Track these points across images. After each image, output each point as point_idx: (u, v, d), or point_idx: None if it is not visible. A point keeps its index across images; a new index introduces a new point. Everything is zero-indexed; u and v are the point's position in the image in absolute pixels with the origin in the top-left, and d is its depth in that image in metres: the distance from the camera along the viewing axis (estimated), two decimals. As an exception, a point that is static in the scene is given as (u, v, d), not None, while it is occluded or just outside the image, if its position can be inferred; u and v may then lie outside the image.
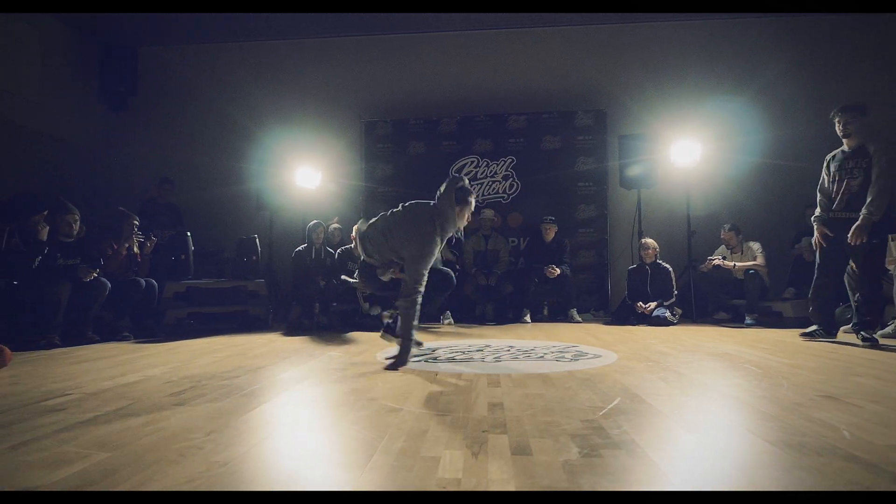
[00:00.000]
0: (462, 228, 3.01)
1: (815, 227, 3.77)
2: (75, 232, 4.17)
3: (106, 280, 4.07)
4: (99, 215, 5.35)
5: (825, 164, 3.81)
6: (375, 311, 5.07)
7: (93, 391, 2.13)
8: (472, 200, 2.89)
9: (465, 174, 6.63)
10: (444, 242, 2.99)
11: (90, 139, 6.96)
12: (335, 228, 5.92)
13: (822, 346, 3.45)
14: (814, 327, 3.79)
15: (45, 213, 3.85)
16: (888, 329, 4.19)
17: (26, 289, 3.68)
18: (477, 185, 6.64)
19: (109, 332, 4.20)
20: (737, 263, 5.30)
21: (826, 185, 3.77)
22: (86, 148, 6.87)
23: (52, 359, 3.09)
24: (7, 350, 2.73)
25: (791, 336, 4.05)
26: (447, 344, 3.68)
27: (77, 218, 4.18)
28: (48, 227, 3.88)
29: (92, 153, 6.95)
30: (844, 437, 1.45)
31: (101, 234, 4.65)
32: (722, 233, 5.54)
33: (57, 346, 3.62)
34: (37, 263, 3.77)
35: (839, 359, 2.91)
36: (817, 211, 3.80)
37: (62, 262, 3.99)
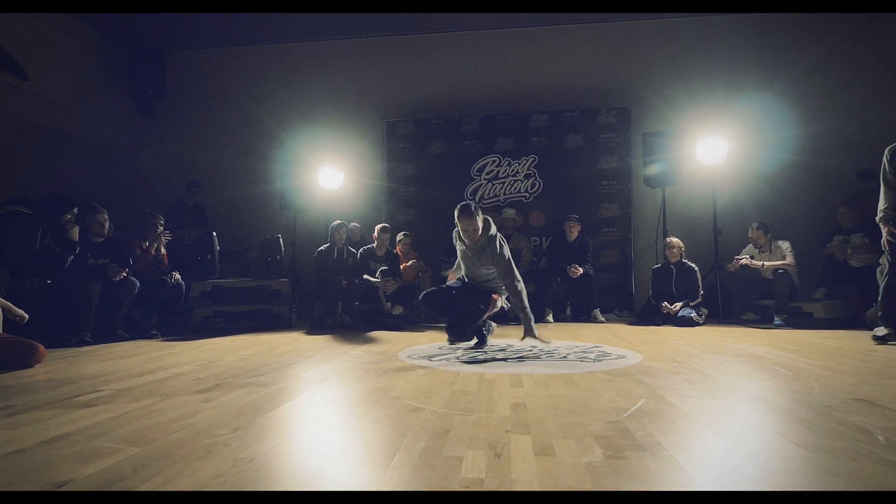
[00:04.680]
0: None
1: (882, 224, 3.49)
2: (106, 231, 4.28)
3: (135, 279, 4.16)
4: (127, 216, 5.48)
5: (887, 156, 3.51)
6: (398, 310, 5.09)
7: (123, 388, 2.18)
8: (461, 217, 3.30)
9: (487, 173, 6.63)
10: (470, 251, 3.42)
11: (119, 142, 7.15)
12: (355, 227, 5.97)
13: (855, 348, 3.35)
14: (886, 331, 3.51)
15: (75, 210, 3.95)
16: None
17: (59, 288, 3.79)
18: (499, 184, 6.62)
19: (138, 330, 4.31)
20: (765, 263, 5.18)
21: (890, 178, 3.47)
22: (115, 150, 7.05)
23: (83, 356, 3.18)
24: (41, 347, 2.81)
25: (822, 337, 3.94)
26: (469, 344, 3.67)
27: (106, 217, 4.29)
28: (78, 228, 3.99)
29: (121, 155, 7.14)
30: (879, 442, 1.40)
31: (130, 234, 4.77)
32: (750, 231, 5.42)
33: (88, 343, 3.72)
34: (68, 263, 3.88)
35: (873, 361, 2.83)
36: (882, 205, 3.51)
37: (92, 261, 4.10)
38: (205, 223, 6.27)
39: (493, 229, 3.37)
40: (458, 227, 3.34)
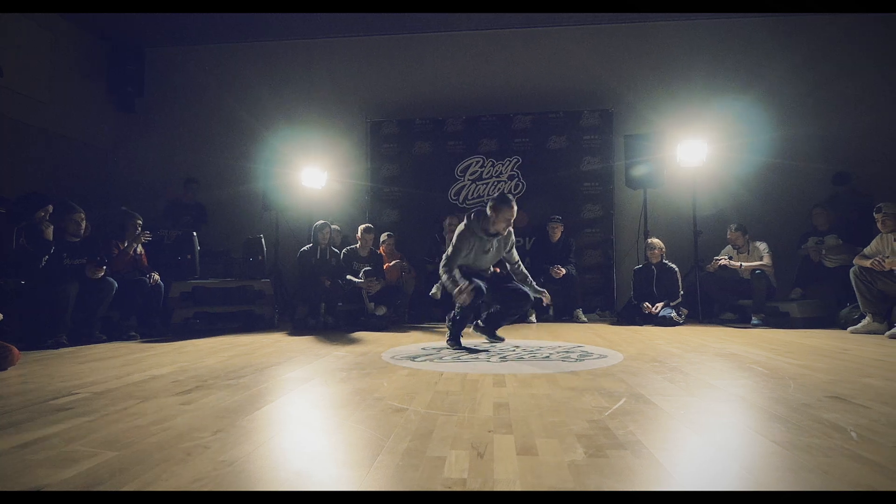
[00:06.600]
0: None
1: None
2: (83, 231, 4.20)
3: (113, 280, 4.09)
4: (105, 215, 5.39)
5: None
6: (381, 311, 5.08)
7: (100, 390, 2.14)
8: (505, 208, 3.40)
9: (471, 174, 6.64)
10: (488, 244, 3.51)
11: (98, 139, 7.01)
12: (335, 230, 5.93)
13: (830, 347, 3.43)
14: None
15: (50, 208, 3.86)
16: (859, 326, 4.26)
17: (34, 288, 3.70)
18: (482, 184, 6.64)
19: (116, 332, 4.23)
20: (743, 263, 5.27)
21: None
22: (93, 148, 6.91)
23: (59, 358, 3.11)
24: (15, 349, 2.74)
25: (798, 336, 4.02)
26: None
27: (83, 217, 4.20)
28: (53, 227, 3.90)
29: (99, 153, 7.00)
30: (852, 438, 1.44)
31: (107, 234, 4.68)
32: (728, 233, 5.51)
33: (64, 345, 3.64)
34: (44, 263, 3.79)
35: (848, 360, 2.89)
36: None
37: (69, 262, 4.02)
38: (204, 220, 6.20)
39: None
40: (494, 220, 3.38)
